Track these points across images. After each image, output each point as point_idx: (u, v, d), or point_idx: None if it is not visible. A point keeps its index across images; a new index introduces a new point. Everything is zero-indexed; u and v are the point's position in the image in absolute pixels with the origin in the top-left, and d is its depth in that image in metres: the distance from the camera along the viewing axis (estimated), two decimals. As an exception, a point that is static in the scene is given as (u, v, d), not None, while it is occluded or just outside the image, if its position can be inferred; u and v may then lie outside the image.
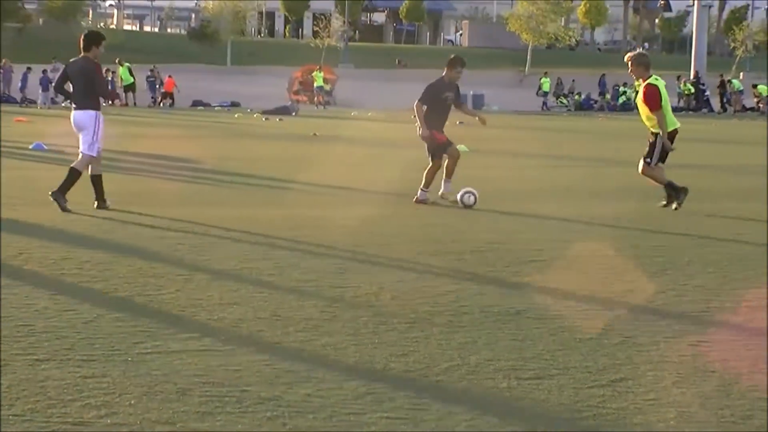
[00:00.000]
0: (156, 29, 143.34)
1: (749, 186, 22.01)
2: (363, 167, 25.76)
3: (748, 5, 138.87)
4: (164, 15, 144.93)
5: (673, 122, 17.77)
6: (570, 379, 7.68)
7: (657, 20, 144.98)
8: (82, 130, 16.05)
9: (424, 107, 17.99)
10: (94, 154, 16.05)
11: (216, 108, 65.13)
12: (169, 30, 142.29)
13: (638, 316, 9.78)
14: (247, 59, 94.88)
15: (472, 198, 17.28)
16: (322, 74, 70.79)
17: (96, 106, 16.15)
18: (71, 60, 16.59)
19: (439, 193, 18.16)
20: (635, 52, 18.56)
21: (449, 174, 18.26)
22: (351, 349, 8.33)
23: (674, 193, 17.35)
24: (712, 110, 75.01)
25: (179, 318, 9.31)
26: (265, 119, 51.90)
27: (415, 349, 8.39)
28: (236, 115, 56.21)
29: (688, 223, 16.04)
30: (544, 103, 74.80)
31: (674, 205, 17.26)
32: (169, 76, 68.03)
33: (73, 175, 15.98)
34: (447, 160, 18.18)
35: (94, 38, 16.17)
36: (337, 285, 10.88)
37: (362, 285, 10.84)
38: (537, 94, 75.67)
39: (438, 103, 18.18)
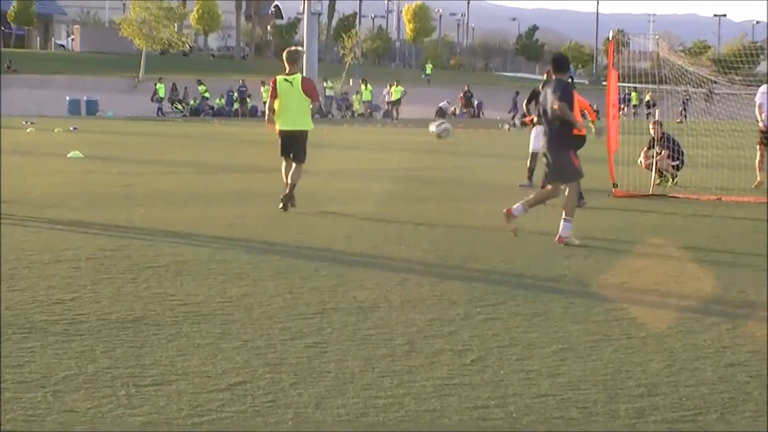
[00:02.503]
0: None
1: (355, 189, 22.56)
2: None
3: (356, 14, 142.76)
4: None
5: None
6: (189, 384, 7.65)
7: (269, 27, 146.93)
8: None
9: None
10: None
11: None
12: None
13: (255, 321, 9.86)
14: None
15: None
16: None
17: None
18: None
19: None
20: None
21: None
22: (-37, 362, 8.02)
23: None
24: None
25: None
26: None
27: (31, 359, 8.17)
28: None
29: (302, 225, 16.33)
30: (159, 109, 74.40)
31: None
32: None
33: None
34: None
35: None
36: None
37: (-27, 295, 10.46)
38: (152, 99, 75.20)
39: None
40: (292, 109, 18.20)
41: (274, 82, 18.34)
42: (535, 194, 15.65)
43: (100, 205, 18.83)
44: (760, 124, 23.55)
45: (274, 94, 18.26)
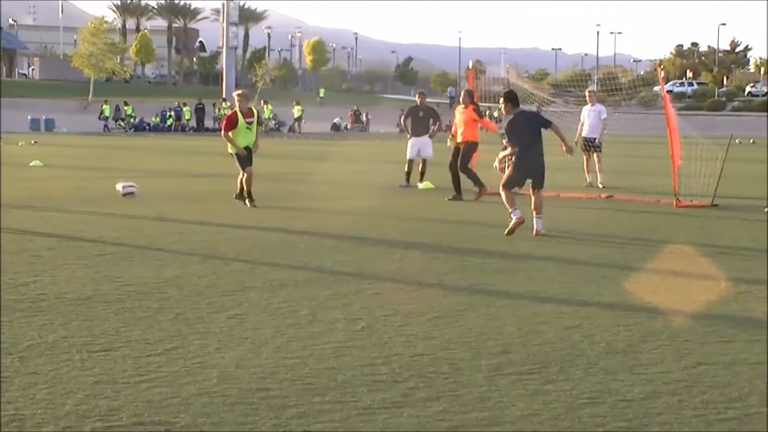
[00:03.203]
0: None
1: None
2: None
3: (266, 47, 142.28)
4: None
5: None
6: (132, 350, 7.57)
7: (195, 58, 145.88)
8: None
9: None
10: None
11: None
12: None
13: (186, 297, 9.79)
14: None
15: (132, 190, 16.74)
16: None
17: None
18: None
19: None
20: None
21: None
22: (-56, 336, 7.85)
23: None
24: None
25: None
26: None
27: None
28: None
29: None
30: (106, 126, 73.53)
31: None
32: None
33: None
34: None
35: None
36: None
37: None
38: (99, 118, 74.32)
39: None
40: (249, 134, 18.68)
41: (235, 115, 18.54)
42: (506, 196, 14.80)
43: (58, 204, 18.57)
44: (576, 136, 24.07)
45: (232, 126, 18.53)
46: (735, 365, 7.42)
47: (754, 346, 8.01)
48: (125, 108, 76.00)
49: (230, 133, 18.34)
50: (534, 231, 14.41)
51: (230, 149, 18.45)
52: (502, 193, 14.66)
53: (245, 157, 18.40)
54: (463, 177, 20.61)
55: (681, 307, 9.48)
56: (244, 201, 18.52)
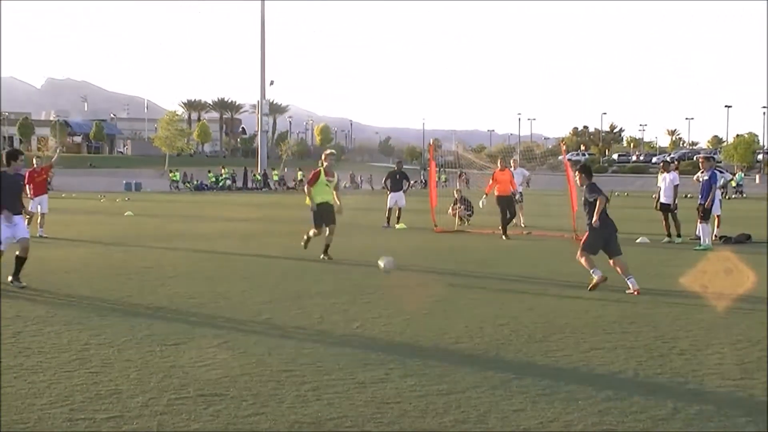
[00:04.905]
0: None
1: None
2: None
3: (288, 131, 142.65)
4: None
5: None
6: (196, 343, 7.50)
7: (239, 139, 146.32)
8: None
9: None
10: None
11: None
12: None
13: (233, 307, 9.71)
14: None
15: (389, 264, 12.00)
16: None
17: None
18: None
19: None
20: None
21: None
22: None
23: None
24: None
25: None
26: None
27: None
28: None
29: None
30: (176, 186, 73.39)
31: None
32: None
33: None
34: None
35: None
36: None
37: None
38: (171, 181, 74.23)
39: None
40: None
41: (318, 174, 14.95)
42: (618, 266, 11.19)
43: (146, 240, 18.42)
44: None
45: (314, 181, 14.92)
46: (616, 350, 7.44)
47: (628, 336, 8.04)
48: (171, 174, 75.83)
49: (312, 188, 14.83)
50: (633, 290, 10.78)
51: (307, 202, 14.80)
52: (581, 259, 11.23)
53: (320, 215, 14.72)
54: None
55: (582, 311, 9.49)
56: (305, 245, 15.03)
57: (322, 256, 14.61)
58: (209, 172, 76.80)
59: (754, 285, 11.67)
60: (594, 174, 12.07)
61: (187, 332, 8.07)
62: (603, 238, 11.11)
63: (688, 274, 12.83)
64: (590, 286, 10.95)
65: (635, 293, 10.67)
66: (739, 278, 12.42)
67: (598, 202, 11.05)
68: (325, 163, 15.03)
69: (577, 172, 11.73)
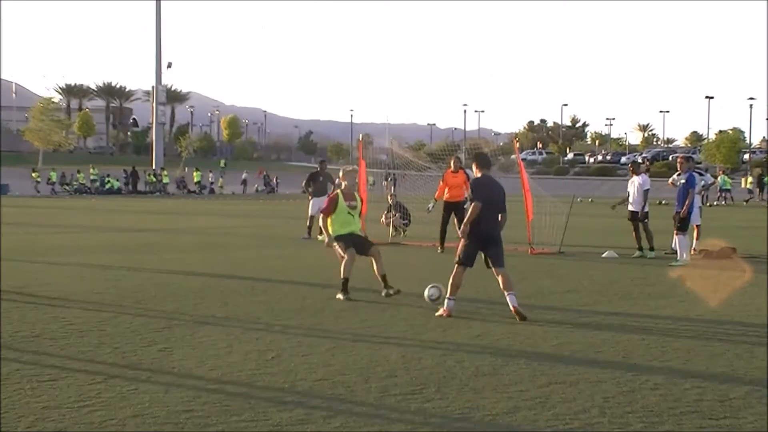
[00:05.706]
0: None
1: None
2: None
3: (189, 123, 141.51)
4: None
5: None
6: (75, 379, 7.37)
7: (129, 132, 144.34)
8: None
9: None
10: None
11: None
12: None
13: (122, 335, 9.58)
14: None
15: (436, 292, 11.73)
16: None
17: None
18: None
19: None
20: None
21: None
22: None
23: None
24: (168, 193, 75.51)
25: None
26: None
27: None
28: None
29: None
30: (53, 189, 71.93)
31: None
32: None
33: None
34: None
35: None
36: None
37: None
38: (47, 183, 72.64)
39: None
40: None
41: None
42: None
43: (11, 256, 18.01)
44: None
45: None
46: (579, 384, 7.54)
47: (593, 367, 8.16)
48: (78, 175, 74.55)
49: (329, 219, 12.98)
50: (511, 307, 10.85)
51: (320, 238, 12.67)
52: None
53: (350, 240, 12.90)
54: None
55: (539, 338, 9.61)
56: (346, 292, 12.47)
57: (383, 293, 12.59)
58: (78, 171, 75.35)
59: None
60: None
61: (65, 365, 7.91)
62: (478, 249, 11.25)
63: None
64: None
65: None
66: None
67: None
68: (343, 184, 13.20)
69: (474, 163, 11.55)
